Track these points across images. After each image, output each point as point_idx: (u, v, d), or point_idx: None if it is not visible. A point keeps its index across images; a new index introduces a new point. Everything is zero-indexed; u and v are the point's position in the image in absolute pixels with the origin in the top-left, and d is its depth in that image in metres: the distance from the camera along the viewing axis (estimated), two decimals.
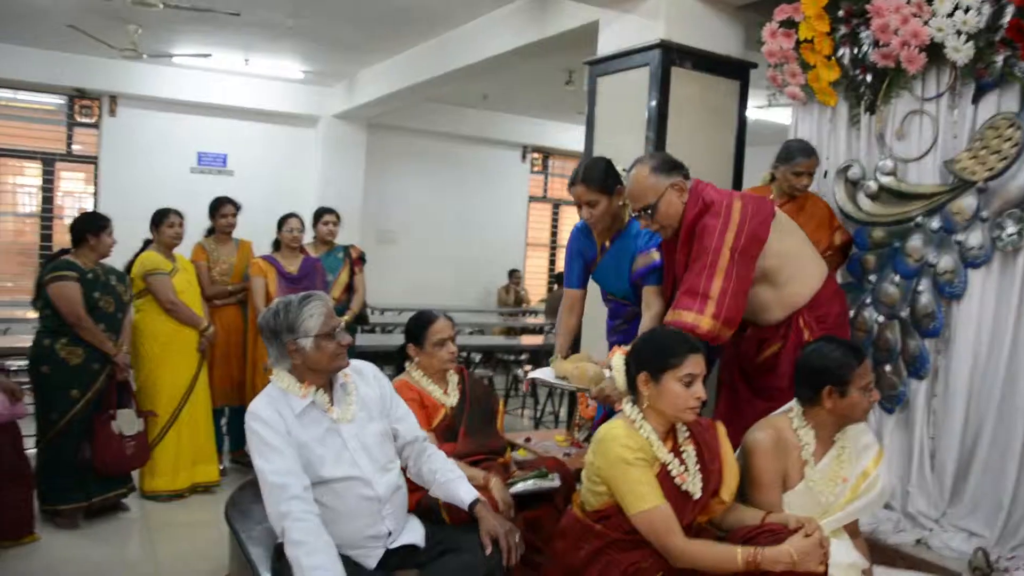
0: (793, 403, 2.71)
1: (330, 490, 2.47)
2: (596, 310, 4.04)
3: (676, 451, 2.48)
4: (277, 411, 2.46)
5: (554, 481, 3.09)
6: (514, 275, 12.23)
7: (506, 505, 2.80)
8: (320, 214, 5.91)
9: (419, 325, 3.21)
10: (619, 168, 3.52)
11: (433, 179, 11.78)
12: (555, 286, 11.81)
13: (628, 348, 2.58)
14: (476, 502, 2.63)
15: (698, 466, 2.48)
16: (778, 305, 3.20)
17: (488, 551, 2.50)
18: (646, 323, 3.34)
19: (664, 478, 2.41)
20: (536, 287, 13.21)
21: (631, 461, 2.35)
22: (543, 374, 3.41)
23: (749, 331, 3.30)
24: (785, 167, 4.00)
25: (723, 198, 3.10)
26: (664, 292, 3.34)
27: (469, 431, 3.13)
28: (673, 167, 3.17)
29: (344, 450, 2.51)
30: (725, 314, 2.90)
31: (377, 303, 10.17)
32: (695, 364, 2.40)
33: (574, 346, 3.85)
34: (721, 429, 2.59)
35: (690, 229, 3.10)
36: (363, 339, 6.55)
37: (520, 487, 3.01)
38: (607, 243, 3.57)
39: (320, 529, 2.34)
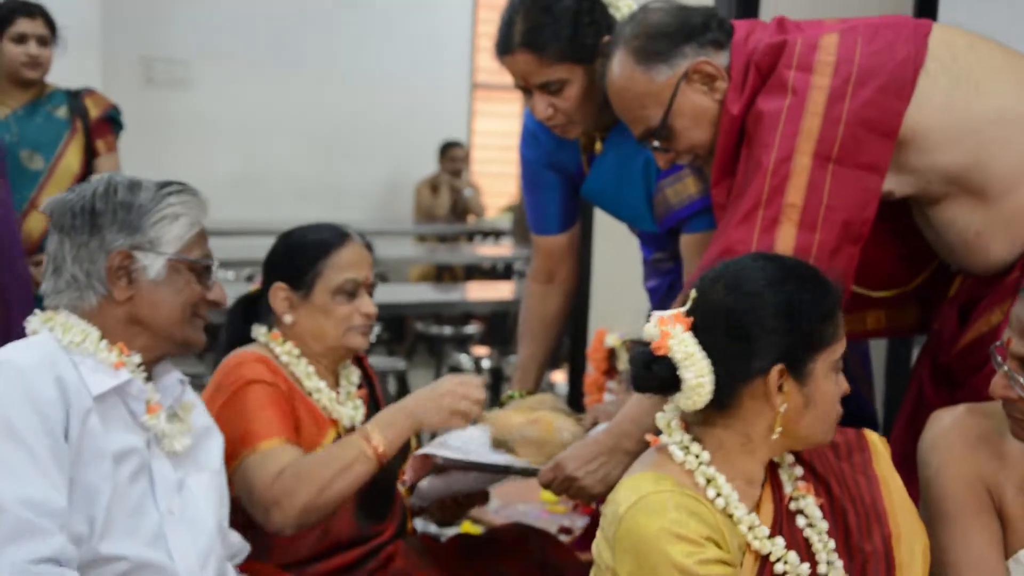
0: None
1: None
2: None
3: (783, 517, 1.55)
4: (55, 380, 1.51)
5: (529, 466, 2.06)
6: (451, 154, 7.69)
7: None
8: (7, 17, 3.46)
9: (308, 247, 2.03)
10: None
11: None
12: None
13: (684, 311, 1.52)
14: None
15: (834, 543, 1.54)
16: (1001, 230, 1.95)
17: None
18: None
19: None
20: (497, 180, 8.93)
21: (692, 570, 1.41)
22: (454, 446, 2.05)
23: (954, 289, 2.11)
24: None
25: (797, 37, 1.89)
26: None
27: (380, 481, 1.98)
28: (685, 35, 1.90)
29: (151, 508, 1.60)
30: None
31: None
32: (842, 331, 1.60)
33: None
34: (879, 447, 1.69)
35: (735, 133, 1.91)
36: None
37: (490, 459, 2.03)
38: (598, 144, 2.26)
39: None
